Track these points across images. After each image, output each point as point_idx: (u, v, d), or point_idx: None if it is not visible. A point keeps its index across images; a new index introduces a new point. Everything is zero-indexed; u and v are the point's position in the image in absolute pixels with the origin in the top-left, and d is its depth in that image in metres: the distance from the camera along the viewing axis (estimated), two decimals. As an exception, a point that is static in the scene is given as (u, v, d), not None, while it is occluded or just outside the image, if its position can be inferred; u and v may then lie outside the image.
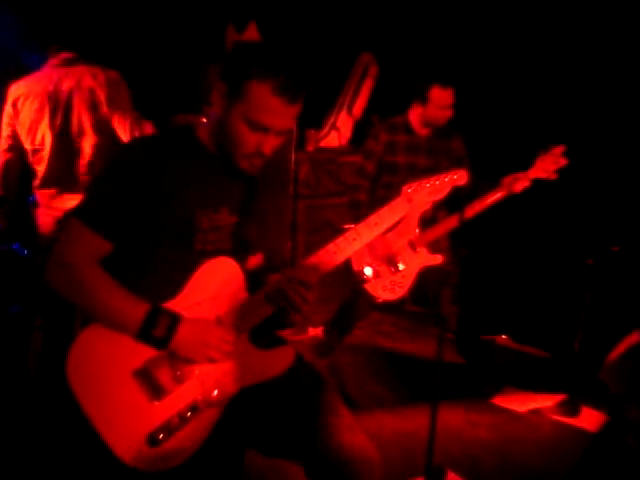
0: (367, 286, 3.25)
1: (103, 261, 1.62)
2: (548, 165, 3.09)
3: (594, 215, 3.48)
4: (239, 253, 1.77)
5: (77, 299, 1.61)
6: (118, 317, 1.58)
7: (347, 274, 3.31)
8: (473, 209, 3.17)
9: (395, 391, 3.46)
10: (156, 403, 1.58)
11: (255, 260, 1.83)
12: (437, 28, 4.37)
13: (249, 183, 1.81)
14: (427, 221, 3.29)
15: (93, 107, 2.94)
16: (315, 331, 4.20)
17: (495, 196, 3.18)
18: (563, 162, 3.08)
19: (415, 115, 3.44)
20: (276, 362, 1.72)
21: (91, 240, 1.59)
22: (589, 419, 3.18)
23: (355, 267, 3.26)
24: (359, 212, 3.38)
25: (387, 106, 4.47)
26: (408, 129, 3.47)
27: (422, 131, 3.47)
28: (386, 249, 3.21)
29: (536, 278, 4.09)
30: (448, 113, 3.36)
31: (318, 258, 1.70)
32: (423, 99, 3.35)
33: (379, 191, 3.47)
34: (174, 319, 1.60)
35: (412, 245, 3.26)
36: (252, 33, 4.05)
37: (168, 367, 1.61)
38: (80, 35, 3.04)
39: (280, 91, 1.55)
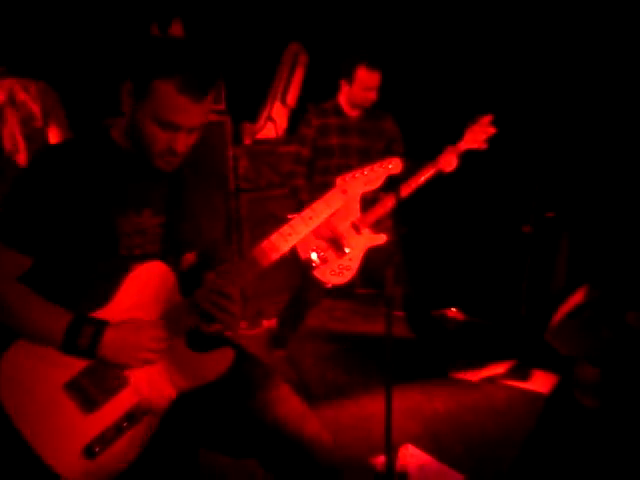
0: (315, 272, 3.26)
1: (26, 276, 1.58)
2: (477, 135, 3.15)
3: (526, 183, 3.55)
4: (170, 254, 1.74)
5: (1, 318, 1.56)
6: (41, 331, 1.54)
7: (295, 263, 3.32)
8: (408, 188, 3.21)
9: (352, 375, 3.50)
10: (90, 415, 1.54)
11: (190, 258, 1.81)
12: (362, 12, 4.39)
13: (174, 181, 1.77)
14: (368, 202, 3.32)
15: (26, 121, 2.86)
16: (270, 323, 4.20)
17: (427, 174, 3.23)
18: (492, 131, 3.13)
19: (343, 96, 3.47)
20: (214, 365, 1.68)
21: (8, 257, 1.55)
22: (540, 382, 3.27)
23: (302, 255, 3.27)
24: (298, 198, 3.40)
25: (321, 93, 4.49)
26: (338, 111, 3.49)
27: (352, 112, 3.49)
28: (330, 233, 3.23)
29: (476, 250, 4.17)
30: (372, 95, 3.37)
31: (254, 256, 1.69)
32: (349, 78, 3.38)
33: (316, 177, 3.49)
34: (99, 326, 1.57)
35: (355, 227, 3.29)
36: (177, 31, 4.00)
37: (100, 377, 1.57)
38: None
39: (186, 89, 1.52)
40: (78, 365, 1.57)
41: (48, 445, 1.49)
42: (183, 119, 1.56)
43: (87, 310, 1.60)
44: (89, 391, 1.56)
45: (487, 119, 3.14)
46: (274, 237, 1.71)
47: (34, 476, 1.48)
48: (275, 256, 1.70)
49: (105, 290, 1.62)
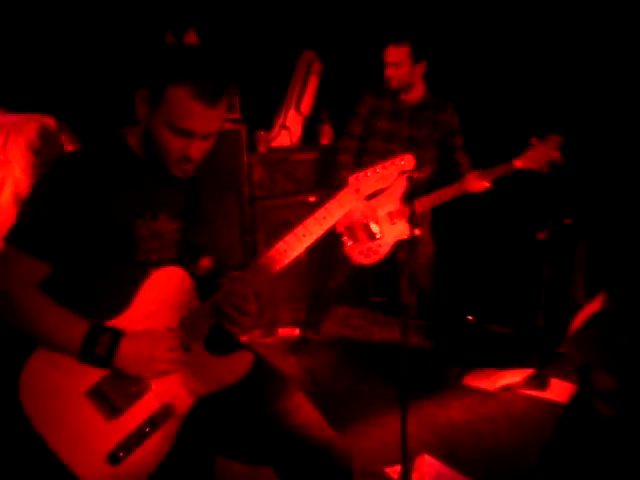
0: (346, 248, 3.37)
1: (44, 284, 1.58)
2: (541, 156, 3.01)
3: (542, 190, 3.51)
4: (186, 259, 1.75)
5: (18, 325, 1.56)
6: (59, 339, 1.54)
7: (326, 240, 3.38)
8: (429, 202, 3.29)
9: (368, 383, 3.48)
10: (113, 421, 1.55)
11: (206, 263, 1.82)
12: (376, 20, 4.38)
13: (190, 186, 1.78)
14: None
15: (43, 129, 2.91)
16: (285, 332, 4.20)
17: (451, 192, 3.27)
18: (556, 156, 2.99)
19: None
20: (233, 368, 1.69)
21: (26, 264, 1.55)
22: (558, 391, 3.23)
23: (338, 228, 3.35)
24: (341, 173, 3.47)
25: (336, 101, 4.49)
26: (395, 95, 3.47)
27: (408, 97, 3.46)
28: (367, 216, 3.30)
29: (493, 257, 4.13)
30: (389, 72, 3.36)
31: (269, 258, 1.69)
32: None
33: (364, 157, 3.54)
34: (115, 336, 1.56)
35: (391, 217, 3.33)
36: (191, 39, 4.02)
37: (122, 384, 1.58)
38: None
39: (200, 94, 1.52)
40: (99, 372, 1.57)
41: (73, 452, 1.50)
42: (197, 125, 1.56)
43: (106, 316, 1.60)
44: (111, 398, 1.57)
45: (557, 140, 3.00)
46: (288, 238, 1.71)
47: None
48: (290, 257, 1.71)
49: (123, 296, 1.63)
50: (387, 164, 1.84)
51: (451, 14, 4.04)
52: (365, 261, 3.36)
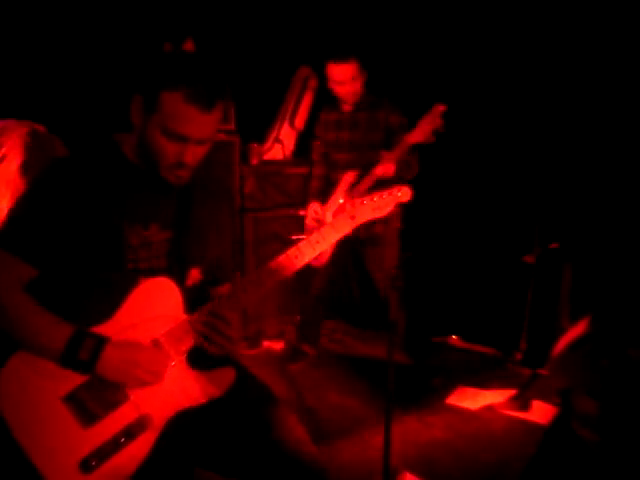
0: None
1: (31, 287, 1.56)
2: (427, 126, 3.01)
3: (530, 214, 3.55)
4: (176, 270, 1.75)
5: (1, 326, 1.54)
6: (41, 342, 1.53)
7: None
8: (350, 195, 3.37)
9: (352, 398, 3.48)
10: (88, 429, 1.54)
11: (195, 275, 1.83)
12: (373, 38, 4.43)
13: (182, 197, 1.79)
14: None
15: (34, 131, 2.92)
16: (269, 344, 4.20)
17: (366, 183, 3.31)
18: (439, 122, 2.98)
19: None
20: (216, 384, 1.68)
21: (11, 265, 1.53)
22: (540, 412, 3.25)
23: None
24: (310, 184, 3.76)
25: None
26: (337, 107, 3.59)
27: (346, 107, 3.55)
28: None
29: (480, 279, 4.16)
30: (347, 88, 3.41)
31: (258, 277, 1.71)
32: (327, 77, 3.47)
33: (330, 171, 3.68)
34: (100, 341, 1.55)
35: (334, 213, 3.42)
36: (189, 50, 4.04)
37: (100, 391, 1.57)
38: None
39: (193, 99, 1.52)
40: (78, 378, 1.56)
41: (45, 457, 1.49)
42: (191, 130, 1.57)
43: (91, 323, 1.59)
44: (88, 405, 1.55)
45: (440, 109, 2.99)
46: (281, 259, 1.73)
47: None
48: (280, 277, 1.72)
49: (110, 304, 1.62)
50: (384, 194, 1.86)
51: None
52: (314, 262, 3.39)
